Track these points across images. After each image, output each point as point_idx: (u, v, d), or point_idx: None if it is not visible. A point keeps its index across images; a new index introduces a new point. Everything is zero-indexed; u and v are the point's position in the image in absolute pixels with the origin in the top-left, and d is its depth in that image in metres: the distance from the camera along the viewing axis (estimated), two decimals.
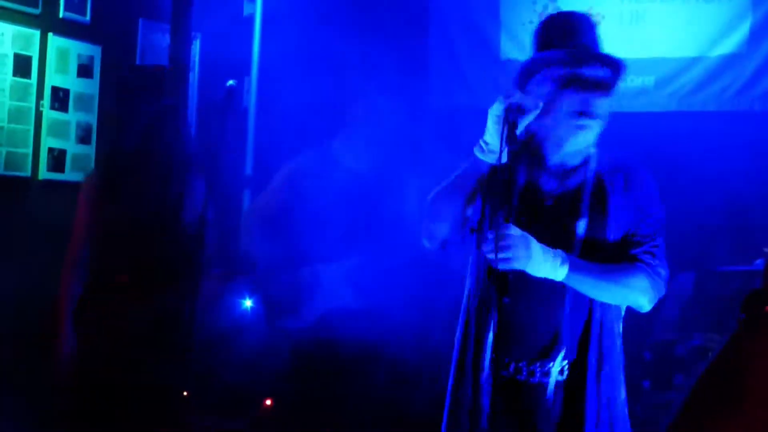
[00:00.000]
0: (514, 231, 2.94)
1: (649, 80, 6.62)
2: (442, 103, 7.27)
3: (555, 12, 3.42)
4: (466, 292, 3.33)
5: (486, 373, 3.08)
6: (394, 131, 5.40)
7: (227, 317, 5.89)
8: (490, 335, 3.09)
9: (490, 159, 3.08)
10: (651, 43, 6.61)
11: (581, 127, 3.11)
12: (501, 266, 2.91)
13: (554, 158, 3.23)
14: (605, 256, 3.15)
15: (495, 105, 3.05)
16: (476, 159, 3.13)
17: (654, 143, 6.17)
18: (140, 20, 6.41)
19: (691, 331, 5.58)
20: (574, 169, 3.23)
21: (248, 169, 6.94)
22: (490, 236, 2.94)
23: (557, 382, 3.17)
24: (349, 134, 5.16)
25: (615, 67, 3.17)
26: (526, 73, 3.19)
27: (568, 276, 3.05)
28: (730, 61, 6.42)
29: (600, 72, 3.13)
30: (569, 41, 3.17)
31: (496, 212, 3.05)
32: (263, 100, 6.95)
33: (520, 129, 3.00)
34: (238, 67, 6.83)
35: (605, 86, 3.13)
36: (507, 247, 2.91)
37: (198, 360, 4.95)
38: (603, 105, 3.13)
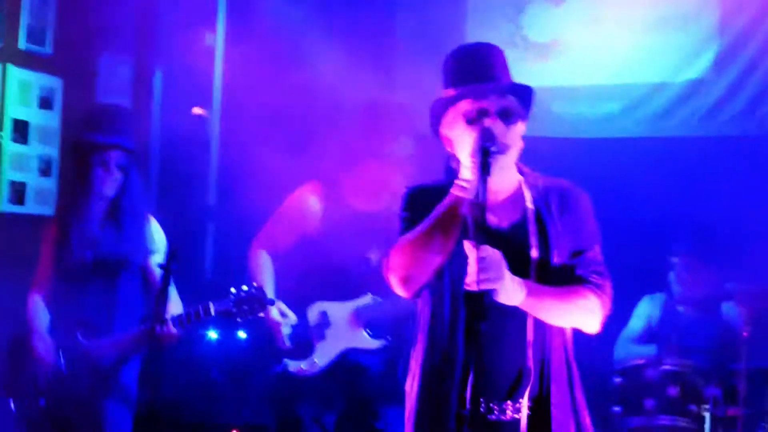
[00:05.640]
0: (492, 251, 2.91)
1: (615, 106, 6.61)
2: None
3: (461, 45, 3.39)
4: (425, 326, 3.25)
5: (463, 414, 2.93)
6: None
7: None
8: (461, 374, 3.01)
9: (472, 194, 2.98)
10: (616, 70, 6.59)
11: (492, 160, 3.00)
12: (480, 287, 2.86)
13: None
14: (555, 281, 3.13)
15: (465, 146, 3.05)
16: (453, 199, 3.04)
17: (622, 169, 6.15)
18: (102, 52, 6.35)
19: (662, 355, 5.56)
20: (505, 201, 3.23)
21: (211, 200, 6.88)
22: (470, 257, 2.90)
23: (528, 416, 3.11)
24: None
25: (520, 94, 3.17)
26: (436, 114, 3.21)
27: (525, 299, 3.01)
28: (696, 87, 6.40)
29: (503, 102, 3.13)
30: (474, 74, 3.18)
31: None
32: (226, 130, 6.89)
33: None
34: (200, 98, 6.77)
35: (511, 115, 3.14)
36: (486, 268, 2.87)
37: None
38: (511, 134, 3.13)
